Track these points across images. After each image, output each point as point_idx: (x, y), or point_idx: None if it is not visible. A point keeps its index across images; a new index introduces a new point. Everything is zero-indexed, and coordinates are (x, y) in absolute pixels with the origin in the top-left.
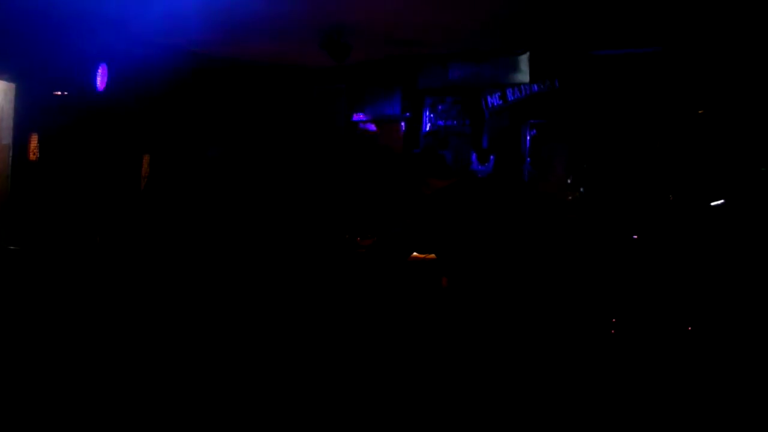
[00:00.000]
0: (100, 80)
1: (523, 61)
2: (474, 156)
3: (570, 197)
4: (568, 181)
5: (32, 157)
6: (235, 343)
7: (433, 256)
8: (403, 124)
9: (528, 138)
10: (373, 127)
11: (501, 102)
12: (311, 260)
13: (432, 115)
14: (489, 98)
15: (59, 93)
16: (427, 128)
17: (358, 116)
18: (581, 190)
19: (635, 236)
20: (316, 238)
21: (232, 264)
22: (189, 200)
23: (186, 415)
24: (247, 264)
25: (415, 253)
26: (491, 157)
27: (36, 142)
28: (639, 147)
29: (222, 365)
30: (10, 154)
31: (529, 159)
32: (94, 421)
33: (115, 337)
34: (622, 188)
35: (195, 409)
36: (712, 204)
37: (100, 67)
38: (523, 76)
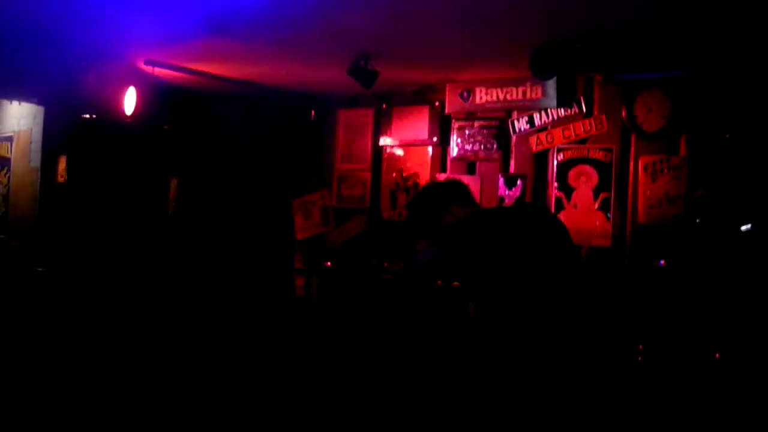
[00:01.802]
0: (128, 103)
1: (550, 85)
2: (501, 180)
3: (597, 222)
4: (596, 206)
5: (60, 179)
6: (259, 366)
7: (456, 284)
8: (430, 148)
9: (555, 162)
10: (400, 151)
11: (528, 126)
12: (340, 285)
13: (459, 140)
14: (516, 123)
15: (87, 116)
16: (455, 153)
17: (386, 141)
18: (608, 216)
19: (662, 261)
20: (343, 264)
21: (254, 286)
22: (216, 223)
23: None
24: (273, 288)
25: (439, 281)
26: (518, 181)
27: (64, 164)
28: (667, 172)
29: (232, 386)
30: (39, 176)
31: (556, 183)
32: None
33: (140, 360)
34: (649, 214)
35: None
36: (742, 229)
37: (128, 91)
38: (550, 100)
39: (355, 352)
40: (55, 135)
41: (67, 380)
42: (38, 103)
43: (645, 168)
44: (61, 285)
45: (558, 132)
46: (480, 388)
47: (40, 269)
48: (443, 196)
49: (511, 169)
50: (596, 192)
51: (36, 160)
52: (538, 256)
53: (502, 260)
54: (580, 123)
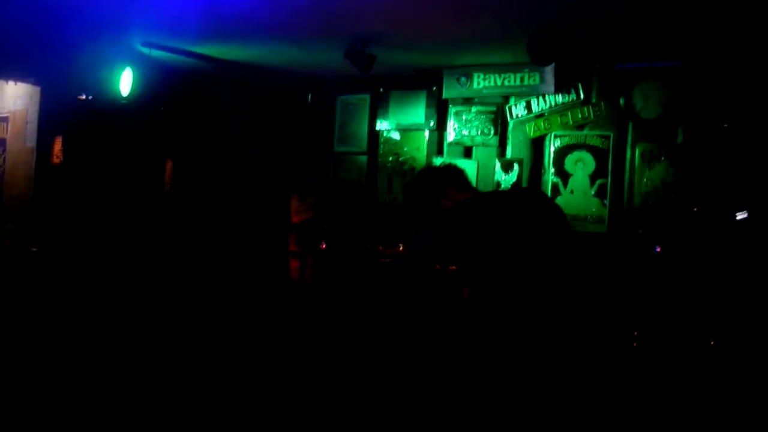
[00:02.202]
0: (125, 84)
1: (548, 72)
2: (498, 166)
3: (593, 208)
4: (592, 192)
5: (56, 160)
6: (253, 348)
7: (453, 267)
8: (427, 133)
9: (552, 148)
10: (397, 135)
11: (525, 112)
12: (335, 268)
13: (456, 125)
14: (513, 108)
15: (84, 97)
16: (452, 137)
17: (382, 125)
18: (604, 202)
19: (658, 248)
20: (339, 246)
21: (249, 268)
22: (211, 205)
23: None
24: (266, 268)
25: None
26: (515, 167)
27: (60, 145)
28: (664, 159)
29: (226, 368)
30: (35, 156)
31: (553, 169)
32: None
33: (131, 339)
34: (645, 199)
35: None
36: (738, 217)
37: (124, 72)
38: (548, 87)
39: (350, 335)
40: (52, 115)
41: (61, 360)
42: (35, 84)
43: (642, 155)
44: (56, 265)
45: (555, 118)
46: (475, 372)
47: (35, 249)
48: (440, 181)
49: (508, 154)
50: (593, 178)
51: (32, 141)
52: (536, 240)
53: (500, 244)
54: (578, 110)
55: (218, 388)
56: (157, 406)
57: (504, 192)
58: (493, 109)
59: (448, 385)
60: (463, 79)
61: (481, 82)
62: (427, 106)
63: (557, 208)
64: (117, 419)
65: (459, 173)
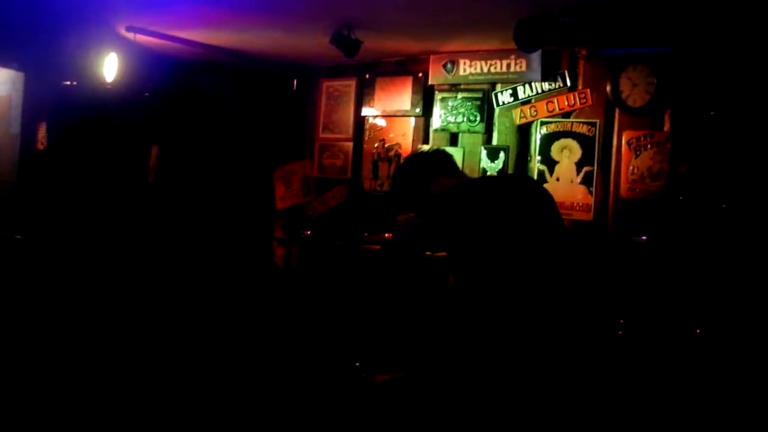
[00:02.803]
0: (109, 70)
1: (535, 59)
2: (484, 153)
3: (579, 196)
4: (578, 180)
5: (40, 146)
6: (239, 335)
7: (441, 254)
8: (413, 119)
9: (538, 136)
10: (382, 122)
11: (512, 99)
12: (320, 255)
13: (442, 111)
14: (500, 95)
15: (68, 83)
16: (438, 124)
17: (368, 111)
18: (590, 190)
19: (644, 237)
20: (324, 234)
21: (234, 255)
22: (196, 192)
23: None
24: (252, 255)
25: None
26: (501, 154)
27: (44, 131)
28: (650, 147)
29: (212, 355)
30: (18, 143)
31: (539, 157)
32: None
33: (117, 325)
34: (631, 189)
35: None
36: (724, 206)
37: (108, 57)
38: (535, 74)
39: (335, 322)
40: (36, 101)
41: (45, 346)
42: (18, 69)
43: (628, 143)
44: (40, 252)
45: (542, 105)
46: (461, 361)
47: (19, 237)
48: (430, 166)
49: (494, 141)
50: (579, 166)
51: (15, 127)
52: (526, 226)
53: (490, 229)
54: (564, 97)
55: (204, 374)
56: (141, 389)
57: (494, 178)
58: (480, 95)
59: (433, 372)
60: (449, 65)
61: (467, 69)
62: (413, 93)
63: (547, 193)
64: (100, 402)
65: (448, 158)
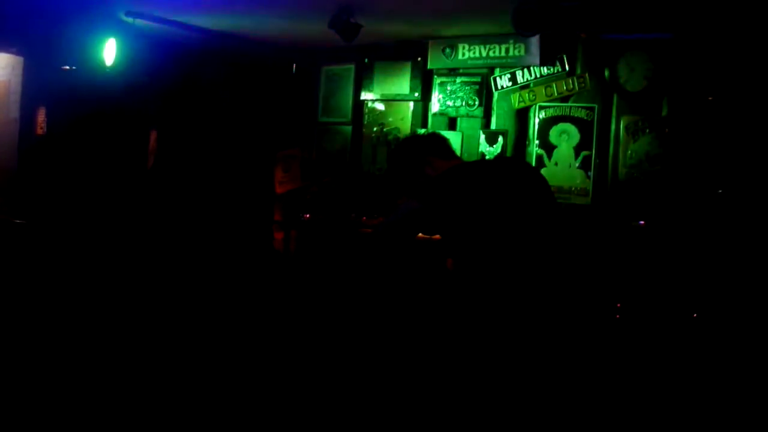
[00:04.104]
0: (108, 55)
1: (534, 43)
2: (482, 137)
3: (577, 180)
4: (576, 164)
5: (39, 131)
6: (237, 319)
7: (437, 236)
8: (412, 103)
9: (536, 120)
10: (381, 106)
11: (510, 83)
12: (319, 239)
13: (441, 96)
14: (498, 80)
15: (67, 67)
16: (437, 108)
17: (367, 95)
18: (588, 174)
19: (641, 222)
20: (322, 217)
21: (233, 239)
22: (195, 176)
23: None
24: (251, 239)
25: (420, 234)
26: (499, 138)
27: (43, 116)
28: (648, 132)
29: (210, 340)
30: (18, 127)
31: (537, 141)
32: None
33: (116, 311)
34: (629, 174)
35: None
36: (720, 191)
37: (108, 42)
38: (533, 58)
39: (334, 306)
40: (35, 86)
41: (44, 332)
42: (17, 54)
43: (626, 128)
44: (40, 237)
45: (540, 90)
46: (460, 345)
47: (19, 221)
48: (424, 149)
49: (493, 125)
50: (577, 150)
51: (15, 111)
52: (521, 209)
53: (484, 213)
54: (563, 81)
55: (201, 360)
56: (139, 376)
57: (489, 161)
58: (478, 80)
59: (432, 358)
60: (448, 50)
61: (466, 53)
62: (412, 77)
63: (542, 177)
64: (95, 388)
65: (443, 141)
